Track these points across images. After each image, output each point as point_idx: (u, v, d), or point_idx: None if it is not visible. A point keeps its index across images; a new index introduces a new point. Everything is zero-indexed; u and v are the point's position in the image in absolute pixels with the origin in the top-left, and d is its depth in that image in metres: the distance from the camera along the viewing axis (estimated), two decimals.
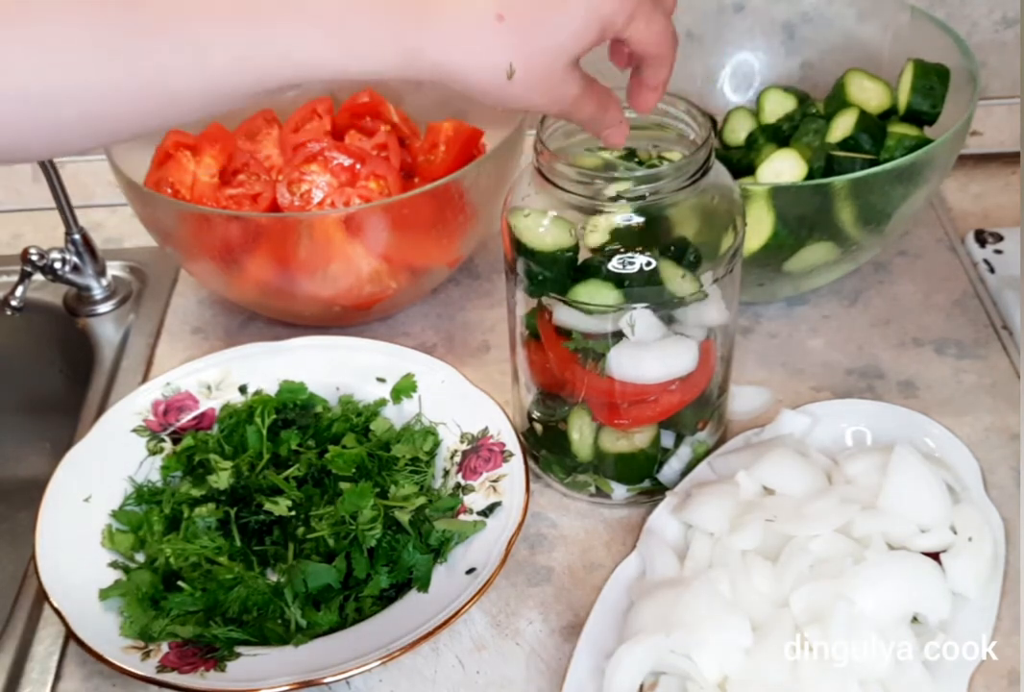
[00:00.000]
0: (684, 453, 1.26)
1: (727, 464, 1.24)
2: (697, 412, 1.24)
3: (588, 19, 0.88)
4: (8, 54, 0.81)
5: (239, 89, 0.87)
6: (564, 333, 1.16)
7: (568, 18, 0.88)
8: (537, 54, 0.89)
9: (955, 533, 1.14)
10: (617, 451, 1.23)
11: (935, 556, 1.12)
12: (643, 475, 1.27)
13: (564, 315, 1.14)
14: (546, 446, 1.30)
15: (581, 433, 1.24)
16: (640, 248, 1.07)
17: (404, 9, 0.86)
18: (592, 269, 1.09)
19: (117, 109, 0.86)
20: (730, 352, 1.25)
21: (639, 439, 1.23)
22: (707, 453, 1.27)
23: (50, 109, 0.83)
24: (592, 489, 1.29)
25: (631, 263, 1.07)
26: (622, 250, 1.07)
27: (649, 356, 1.15)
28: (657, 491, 1.27)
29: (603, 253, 1.08)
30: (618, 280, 1.08)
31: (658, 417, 1.22)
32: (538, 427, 1.29)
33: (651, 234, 1.08)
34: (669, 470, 1.27)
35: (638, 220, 1.07)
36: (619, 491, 1.28)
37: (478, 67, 0.88)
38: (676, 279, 1.09)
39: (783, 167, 1.38)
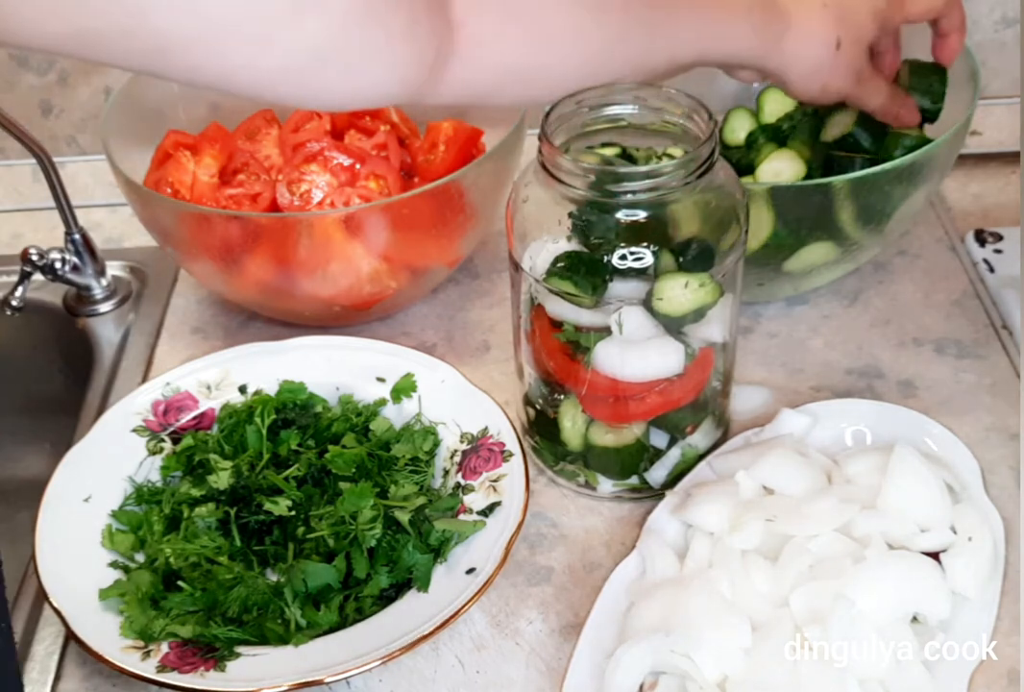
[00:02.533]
0: (674, 455, 1.26)
1: (727, 464, 1.24)
2: (688, 416, 1.24)
3: (873, 12, 1.22)
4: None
5: (673, 65, 1.15)
6: (556, 324, 1.17)
7: (864, 8, 1.21)
8: (853, 30, 1.20)
9: (955, 533, 1.14)
10: (604, 444, 1.24)
11: (935, 556, 1.12)
12: (629, 471, 1.27)
13: (556, 306, 1.15)
14: (540, 432, 1.30)
15: (574, 422, 1.24)
16: (642, 245, 1.07)
17: (773, 8, 1.17)
18: (593, 263, 1.09)
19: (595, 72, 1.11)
20: (731, 358, 1.25)
21: (627, 435, 1.23)
22: (698, 457, 1.27)
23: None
24: (580, 479, 1.29)
25: (629, 259, 1.07)
26: (622, 245, 1.07)
27: (634, 354, 1.15)
28: (644, 490, 1.28)
29: (603, 248, 1.08)
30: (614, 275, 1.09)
31: (642, 416, 1.22)
32: (532, 412, 1.30)
33: (652, 231, 1.08)
34: (657, 470, 1.27)
35: (640, 216, 1.06)
36: (605, 485, 1.28)
37: (817, 42, 1.19)
38: (679, 287, 1.09)
39: (782, 167, 1.38)
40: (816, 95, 1.24)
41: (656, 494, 1.26)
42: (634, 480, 1.27)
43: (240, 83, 0.91)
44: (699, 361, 1.18)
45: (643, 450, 1.24)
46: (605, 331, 1.14)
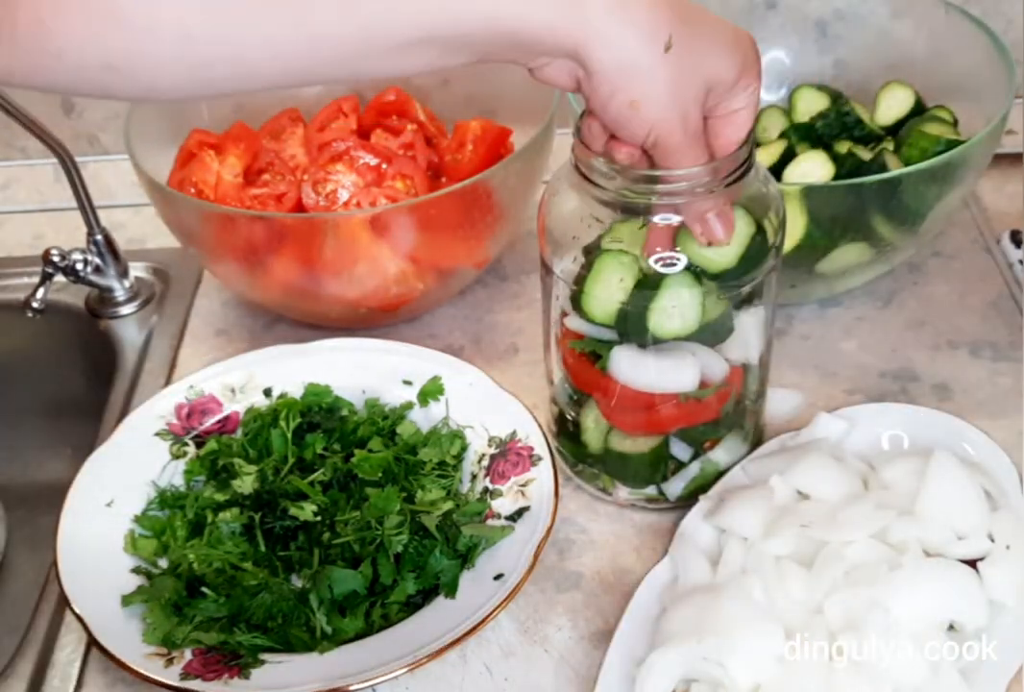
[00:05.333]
0: (694, 469, 1.24)
1: (761, 468, 1.22)
2: (709, 431, 1.23)
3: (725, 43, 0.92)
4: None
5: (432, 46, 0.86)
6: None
7: (712, 29, 0.91)
8: (691, 40, 0.88)
9: (992, 540, 1.12)
10: (621, 450, 1.22)
11: (972, 564, 1.10)
12: (645, 480, 1.25)
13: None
14: (563, 431, 1.29)
15: (597, 423, 1.23)
16: (676, 249, 1.05)
17: None
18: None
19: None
20: (763, 377, 1.24)
21: (645, 443, 1.22)
22: (719, 474, 1.25)
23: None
24: (599, 482, 1.28)
25: (667, 265, 1.05)
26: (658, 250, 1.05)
27: (647, 363, 1.14)
28: (660, 500, 1.26)
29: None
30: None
31: (657, 428, 1.20)
32: (556, 410, 1.29)
33: (687, 236, 1.06)
34: (676, 483, 1.25)
35: (676, 220, 1.04)
36: (621, 491, 1.27)
37: (638, 28, 0.86)
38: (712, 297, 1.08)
39: (810, 168, 1.37)
40: (620, 111, 0.91)
41: (671, 507, 1.25)
42: (651, 490, 1.26)
43: None
44: (728, 378, 1.17)
45: (661, 460, 1.23)
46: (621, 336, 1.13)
